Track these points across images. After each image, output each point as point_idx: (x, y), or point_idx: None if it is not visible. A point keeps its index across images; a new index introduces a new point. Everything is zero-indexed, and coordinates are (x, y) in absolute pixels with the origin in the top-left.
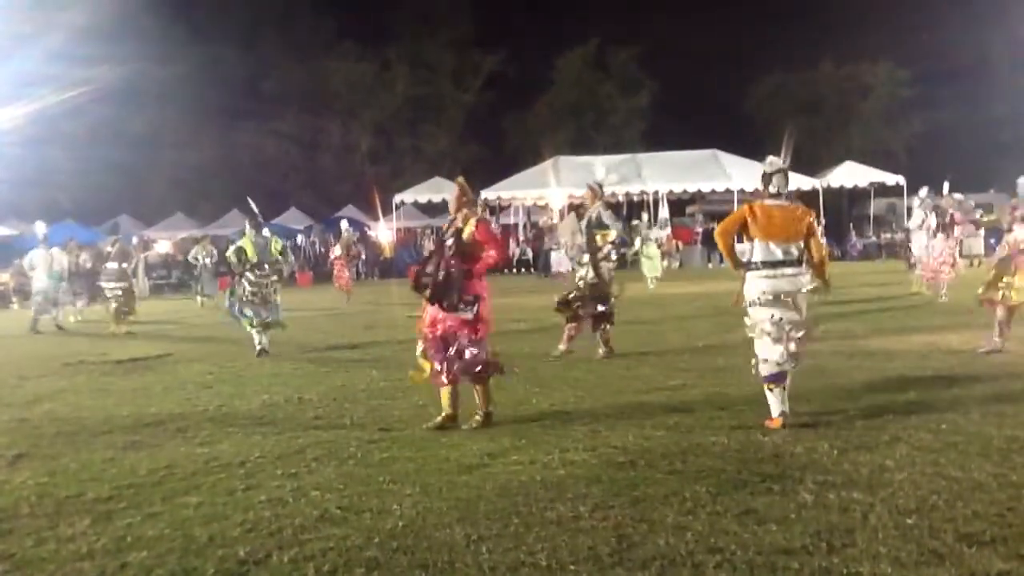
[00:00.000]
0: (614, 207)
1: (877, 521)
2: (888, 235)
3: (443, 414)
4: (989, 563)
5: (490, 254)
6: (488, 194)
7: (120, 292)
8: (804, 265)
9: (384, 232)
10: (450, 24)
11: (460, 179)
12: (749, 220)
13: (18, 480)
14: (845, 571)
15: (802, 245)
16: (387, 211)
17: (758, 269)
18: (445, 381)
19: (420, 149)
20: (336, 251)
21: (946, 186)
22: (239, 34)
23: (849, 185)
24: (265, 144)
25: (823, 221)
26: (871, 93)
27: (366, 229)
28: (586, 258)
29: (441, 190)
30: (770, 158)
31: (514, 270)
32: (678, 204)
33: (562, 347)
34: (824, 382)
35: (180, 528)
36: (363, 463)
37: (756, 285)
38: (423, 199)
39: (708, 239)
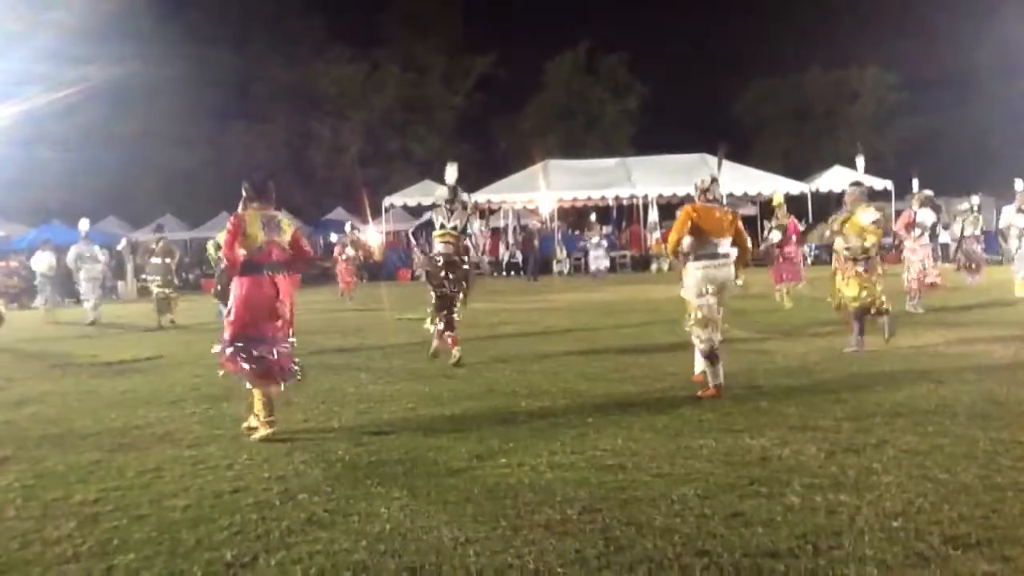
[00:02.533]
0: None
1: (863, 524)
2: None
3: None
4: (975, 566)
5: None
6: (478, 197)
7: (162, 287)
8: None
9: (373, 235)
10: (440, 27)
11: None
12: (693, 219)
13: (4, 482)
14: (831, 573)
15: (730, 241)
16: (376, 214)
17: (699, 260)
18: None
19: (410, 152)
20: (349, 251)
21: (915, 184)
22: (230, 36)
23: (837, 190)
24: (255, 146)
25: (811, 224)
26: (859, 98)
27: (356, 232)
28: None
29: (430, 193)
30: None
31: (504, 273)
32: (667, 207)
33: (446, 350)
34: (811, 384)
35: (167, 531)
36: (351, 466)
37: (695, 274)
38: (412, 202)
39: None
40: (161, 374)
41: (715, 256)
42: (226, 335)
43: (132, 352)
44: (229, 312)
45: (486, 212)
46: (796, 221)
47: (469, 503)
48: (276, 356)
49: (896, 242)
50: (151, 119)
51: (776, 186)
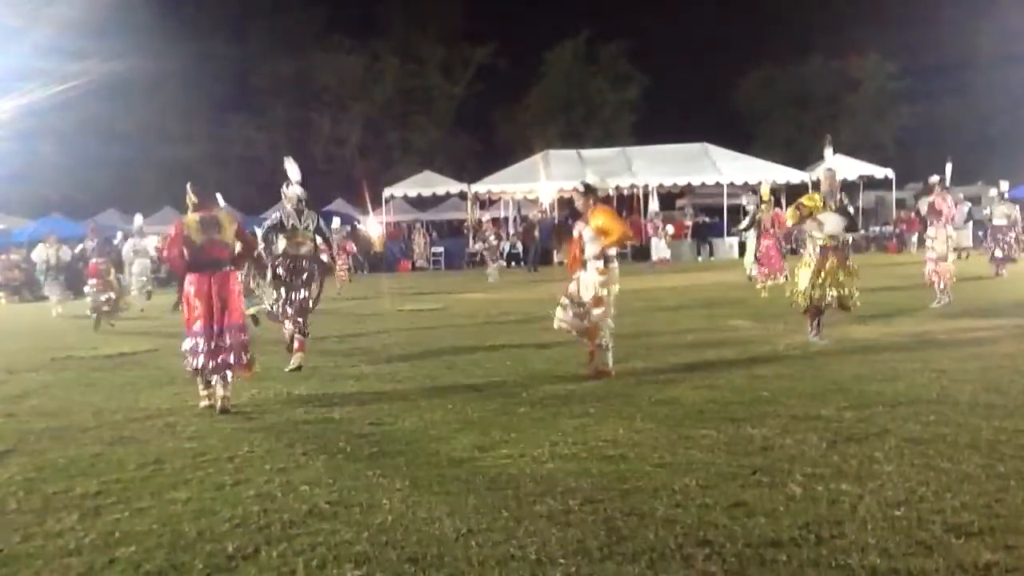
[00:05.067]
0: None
1: (866, 513)
2: (876, 228)
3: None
4: (977, 554)
5: None
6: (478, 187)
7: None
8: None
9: (374, 226)
10: (440, 17)
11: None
12: None
13: (5, 476)
14: (833, 563)
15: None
16: (377, 205)
17: (609, 262)
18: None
19: (410, 142)
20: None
21: (948, 171)
22: (229, 28)
23: (838, 178)
24: (255, 138)
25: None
26: (860, 86)
27: (356, 223)
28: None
29: (431, 184)
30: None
31: (504, 264)
32: (668, 197)
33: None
34: (812, 374)
35: (168, 523)
36: (352, 457)
37: (612, 275)
38: (412, 193)
39: (698, 232)
40: (160, 366)
41: (613, 259)
42: (185, 331)
43: (130, 345)
44: (179, 307)
45: (486, 203)
46: (779, 212)
47: (471, 494)
48: (227, 344)
49: (896, 231)
50: (151, 113)
51: (775, 175)
